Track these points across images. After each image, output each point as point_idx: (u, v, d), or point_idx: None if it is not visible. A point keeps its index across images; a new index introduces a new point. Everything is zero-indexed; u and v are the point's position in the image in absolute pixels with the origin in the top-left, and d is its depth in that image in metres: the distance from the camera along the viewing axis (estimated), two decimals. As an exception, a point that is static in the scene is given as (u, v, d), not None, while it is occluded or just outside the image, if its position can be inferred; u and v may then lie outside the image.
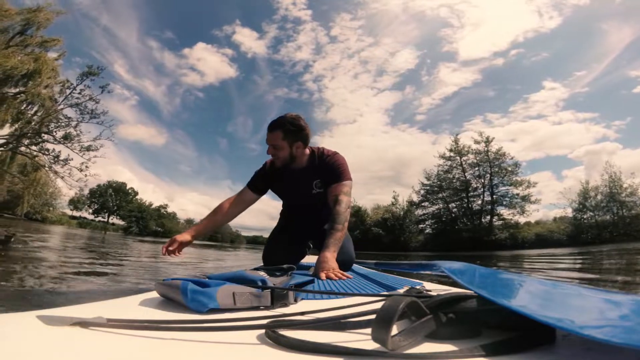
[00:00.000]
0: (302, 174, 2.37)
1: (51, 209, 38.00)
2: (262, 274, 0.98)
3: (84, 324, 0.56)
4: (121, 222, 58.47)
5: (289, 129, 2.18)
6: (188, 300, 0.76)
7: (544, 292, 0.83)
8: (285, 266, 1.29)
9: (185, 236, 2.18)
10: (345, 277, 1.64)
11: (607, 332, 0.47)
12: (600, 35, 55.93)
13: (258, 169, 2.52)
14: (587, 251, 16.42)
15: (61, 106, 23.09)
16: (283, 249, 2.53)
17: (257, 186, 2.45)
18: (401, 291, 1.16)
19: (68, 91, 23.08)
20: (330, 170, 2.31)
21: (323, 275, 1.63)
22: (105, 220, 58.12)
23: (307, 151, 2.33)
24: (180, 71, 75.55)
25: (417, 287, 1.04)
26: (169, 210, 64.87)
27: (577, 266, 7.59)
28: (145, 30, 79.02)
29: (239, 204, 2.44)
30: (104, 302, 0.90)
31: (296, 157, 2.26)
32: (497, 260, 12.03)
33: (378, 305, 0.55)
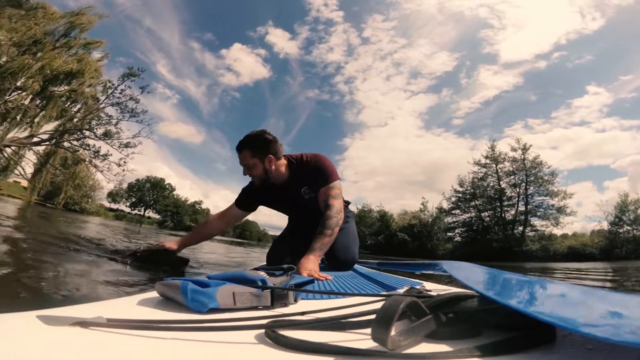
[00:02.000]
0: (287, 185, 2.38)
1: (89, 200, 39.73)
2: (262, 274, 0.99)
3: (84, 324, 0.56)
4: (157, 216, 60.43)
5: (255, 145, 2.26)
6: (188, 300, 0.76)
7: (546, 291, 0.85)
8: (285, 266, 1.30)
9: (172, 245, 2.44)
10: (323, 278, 1.62)
11: (606, 331, 0.47)
12: None
13: (245, 186, 2.57)
14: (619, 267, 15.55)
15: (103, 105, 24.11)
16: (284, 250, 2.56)
17: (243, 203, 2.56)
18: (401, 291, 1.16)
19: (110, 91, 24.08)
20: (314, 174, 2.33)
21: (305, 273, 1.63)
22: (142, 213, 60.22)
23: (284, 161, 2.35)
24: (218, 72, 77.56)
25: (417, 287, 1.05)
26: (203, 206, 66.63)
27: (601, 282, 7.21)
28: (187, 32, 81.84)
29: (224, 219, 2.60)
30: (104, 302, 0.93)
31: (271, 171, 2.27)
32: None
33: (378, 305, 0.57)
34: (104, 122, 24.22)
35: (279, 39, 79.12)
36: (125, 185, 42.07)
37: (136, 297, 0.91)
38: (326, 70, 76.60)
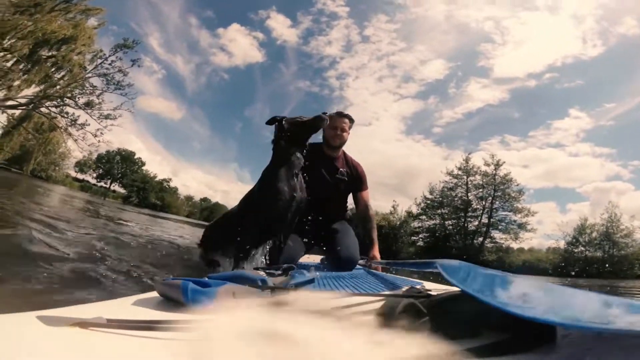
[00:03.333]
0: (334, 160, 2.97)
1: (57, 168, 38.10)
2: (262, 273, 1.00)
3: (84, 324, 0.56)
4: (123, 190, 58.39)
5: (352, 120, 2.99)
6: (188, 299, 0.76)
7: (543, 292, 0.83)
8: (285, 265, 1.33)
9: None
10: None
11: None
12: None
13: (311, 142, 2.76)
14: (574, 282, 16.94)
15: (90, 75, 23.31)
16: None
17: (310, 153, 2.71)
18: (401, 291, 1.13)
19: (99, 61, 23.28)
20: (357, 173, 3.04)
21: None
22: (107, 186, 58.06)
23: None
24: (211, 50, 74.94)
25: (417, 286, 1.05)
26: (172, 184, 64.64)
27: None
28: (188, 6, 78.46)
29: None
30: (104, 302, 0.94)
31: (346, 139, 2.97)
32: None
33: (377, 305, 0.62)
34: (87, 91, 23.47)
35: (280, 25, 77.28)
36: (95, 156, 40.73)
37: (136, 297, 0.92)
38: (321, 63, 75.87)
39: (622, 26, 48.99)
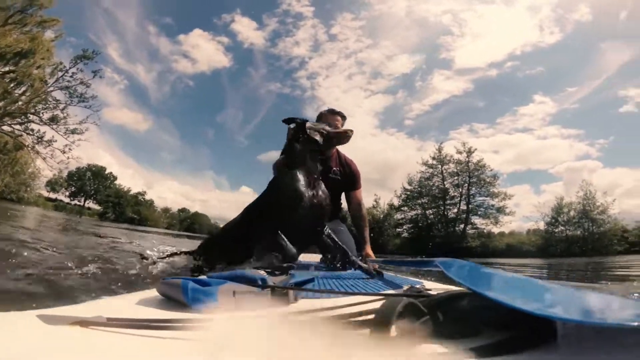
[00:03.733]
0: (325, 161, 2.83)
1: (28, 189, 36.91)
2: (262, 273, 1.00)
3: (84, 323, 0.57)
4: (97, 207, 57.13)
5: (344, 117, 2.92)
6: (189, 299, 0.77)
7: (539, 289, 0.85)
8: (284, 265, 1.33)
9: None
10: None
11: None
12: (598, 53, 56.93)
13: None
14: (556, 262, 17.23)
15: (51, 88, 22.74)
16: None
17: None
18: (401, 290, 1.15)
19: (60, 73, 22.74)
20: (351, 171, 2.99)
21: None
22: (82, 204, 56.72)
23: None
24: (172, 57, 73.51)
25: (417, 286, 1.06)
26: (147, 197, 63.53)
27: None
28: (145, 14, 76.79)
29: None
30: (104, 302, 0.96)
31: None
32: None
33: (377, 305, 0.62)
34: (51, 106, 22.92)
35: (245, 28, 76.47)
36: (65, 174, 39.73)
37: (136, 296, 0.94)
38: (290, 64, 75.47)
39: (577, 13, 50.45)
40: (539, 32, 54.44)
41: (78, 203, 56.43)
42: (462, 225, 36.76)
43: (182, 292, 0.79)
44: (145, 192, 63.33)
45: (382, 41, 73.38)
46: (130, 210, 58.21)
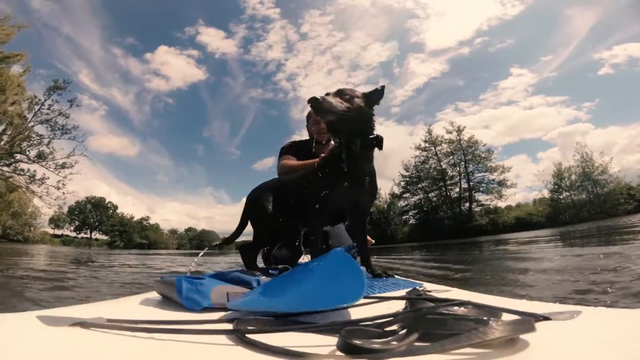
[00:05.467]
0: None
1: (32, 229, 37.34)
2: (258, 274, 1.01)
3: (84, 324, 0.57)
4: (104, 237, 57.65)
5: None
6: (183, 298, 0.78)
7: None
8: (280, 266, 1.36)
9: None
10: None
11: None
12: (565, 20, 57.74)
13: (285, 146, 2.81)
14: (561, 232, 16.80)
15: (31, 123, 22.79)
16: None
17: (293, 153, 2.68)
18: (396, 294, 1.17)
19: (37, 107, 22.77)
20: None
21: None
22: (88, 236, 57.27)
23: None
24: (144, 77, 73.59)
25: (418, 287, 1.05)
26: (152, 222, 63.96)
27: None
28: (107, 37, 76.94)
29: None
30: (104, 302, 0.97)
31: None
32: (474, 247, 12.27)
33: (375, 307, 0.68)
34: (35, 142, 22.96)
35: (213, 39, 76.68)
36: (66, 209, 40.04)
37: (136, 297, 0.95)
38: (267, 68, 75.69)
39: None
40: (500, 6, 54.79)
41: (85, 236, 57.16)
42: (467, 204, 36.30)
43: (176, 291, 0.80)
44: (148, 216, 64.05)
45: (353, 33, 73.70)
46: (137, 236, 58.78)
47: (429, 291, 0.95)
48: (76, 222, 56.47)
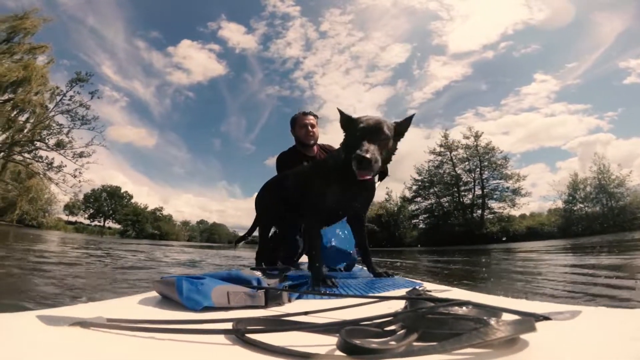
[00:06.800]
0: (310, 160, 2.76)
1: (47, 215, 38.00)
2: (258, 274, 1.01)
3: (84, 324, 0.57)
4: (117, 226, 58.37)
5: (316, 116, 2.99)
6: (183, 298, 0.78)
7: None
8: (281, 267, 1.38)
9: None
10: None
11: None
12: (591, 26, 55.32)
13: (280, 155, 2.99)
14: (570, 245, 16.57)
15: (52, 113, 23.19)
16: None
17: (287, 164, 2.77)
18: (395, 293, 1.19)
19: (58, 98, 23.16)
20: None
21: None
22: (102, 224, 58.05)
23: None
24: (166, 70, 74.06)
25: (418, 287, 1.05)
26: (165, 212, 64.58)
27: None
28: (132, 30, 77.65)
29: None
30: (104, 302, 0.96)
31: (317, 135, 2.92)
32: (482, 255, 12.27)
33: (373, 307, 0.68)
34: (55, 131, 23.34)
35: (234, 34, 76.80)
36: (81, 197, 40.65)
37: (136, 297, 0.95)
38: (285, 65, 75.55)
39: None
40: (527, 9, 53.49)
41: (98, 223, 57.96)
42: (479, 211, 35.90)
43: (176, 291, 0.80)
44: (162, 207, 64.58)
45: (372, 33, 72.92)
46: (149, 227, 59.31)
47: (429, 291, 0.95)
48: (91, 209, 57.28)
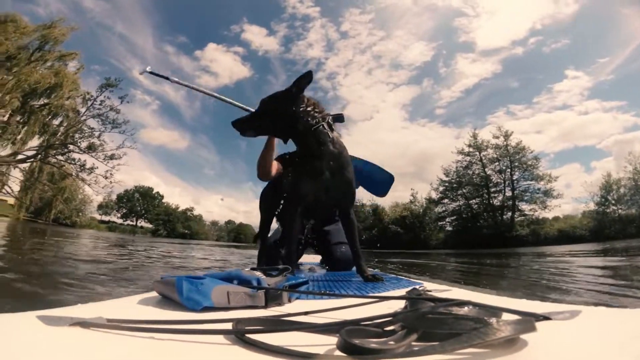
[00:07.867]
0: None
1: (80, 214, 39.61)
2: (258, 274, 1.01)
3: (84, 324, 0.58)
4: (149, 225, 60.11)
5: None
6: (183, 298, 0.78)
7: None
8: (281, 266, 1.31)
9: None
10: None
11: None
12: (622, 19, 51.59)
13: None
14: (603, 249, 15.77)
15: (84, 117, 24.07)
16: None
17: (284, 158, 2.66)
18: (395, 293, 1.19)
19: (89, 103, 23.99)
20: None
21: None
22: (134, 223, 59.91)
23: None
24: (195, 74, 75.91)
25: (418, 287, 1.06)
26: (195, 212, 66.09)
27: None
28: (160, 35, 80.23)
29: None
30: (104, 302, 0.96)
31: None
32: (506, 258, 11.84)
33: (373, 307, 0.69)
34: (86, 135, 24.19)
35: (256, 36, 77.95)
36: (114, 197, 42.12)
37: (136, 297, 0.95)
38: (307, 67, 75.91)
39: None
40: (553, 4, 51.28)
41: (130, 223, 59.86)
42: (509, 213, 34.75)
43: (176, 291, 0.79)
44: (193, 207, 66.13)
45: (394, 31, 72.11)
46: (180, 226, 60.85)
47: (429, 291, 0.95)
48: (123, 209, 59.37)
